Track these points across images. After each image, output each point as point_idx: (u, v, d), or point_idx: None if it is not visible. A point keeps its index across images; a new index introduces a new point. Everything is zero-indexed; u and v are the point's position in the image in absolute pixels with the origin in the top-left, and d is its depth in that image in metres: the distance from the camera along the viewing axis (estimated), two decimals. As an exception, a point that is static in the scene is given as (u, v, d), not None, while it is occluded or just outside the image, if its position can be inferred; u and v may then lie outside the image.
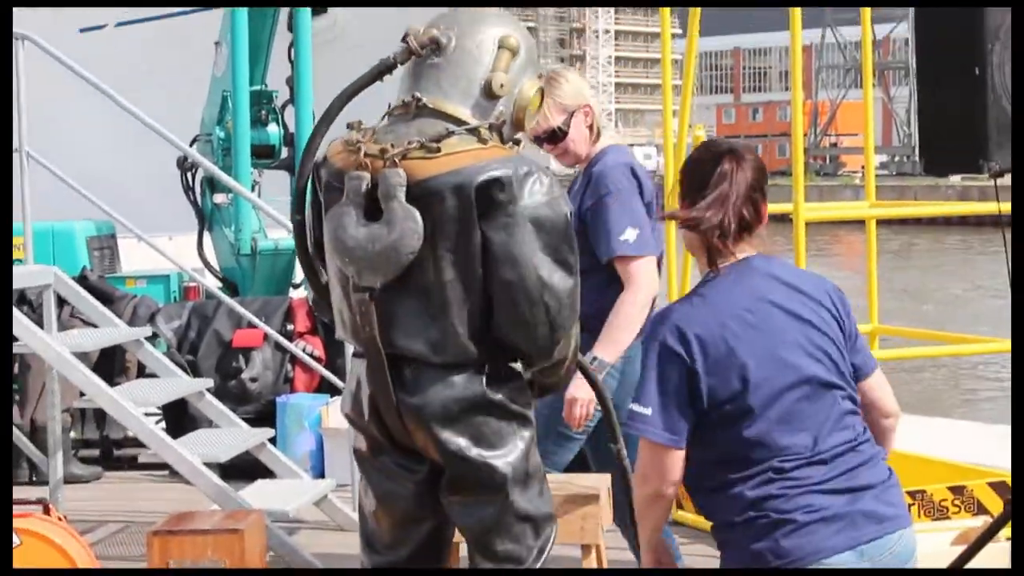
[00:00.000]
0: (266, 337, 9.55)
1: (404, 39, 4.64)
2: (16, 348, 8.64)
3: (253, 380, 9.81)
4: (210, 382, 8.77)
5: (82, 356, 7.96)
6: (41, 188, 8.86)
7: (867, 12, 7.59)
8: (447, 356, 4.50)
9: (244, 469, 8.10)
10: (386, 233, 4.41)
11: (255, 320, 9.38)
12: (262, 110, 11.31)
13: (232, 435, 8.06)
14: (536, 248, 4.43)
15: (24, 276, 8.39)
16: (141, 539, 6.98)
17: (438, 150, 4.44)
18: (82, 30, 18.56)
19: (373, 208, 4.45)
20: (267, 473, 8.07)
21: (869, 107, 7.16)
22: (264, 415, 9.14)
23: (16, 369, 9.93)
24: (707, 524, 4.99)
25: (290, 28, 11.34)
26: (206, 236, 11.23)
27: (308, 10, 11.37)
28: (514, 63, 4.64)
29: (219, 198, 11.07)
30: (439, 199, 4.40)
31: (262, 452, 8.06)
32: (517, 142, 4.79)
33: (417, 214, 4.38)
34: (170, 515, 7.06)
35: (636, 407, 4.24)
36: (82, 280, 9.14)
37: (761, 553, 4.26)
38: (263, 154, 11.29)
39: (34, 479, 9.29)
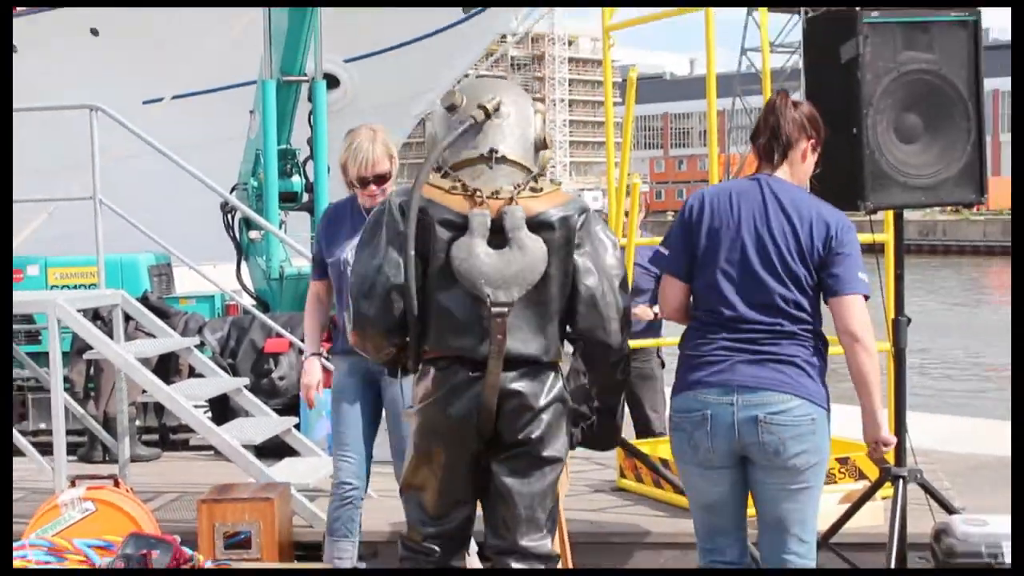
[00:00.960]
0: (291, 344, 9.54)
1: (479, 107, 4.63)
2: (90, 355, 8.61)
3: (281, 379, 9.79)
4: (246, 381, 8.74)
5: (144, 361, 7.93)
6: (112, 228, 8.85)
7: (767, 85, 7.60)
8: (551, 357, 4.60)
9: (274, 450, 8.09)
10: (521, 257, 4.46)
11: (282, 331, 9.40)
12: (287, 164, 11.29)
13: (264, 423, 8.06)
14: (610, 261, 4.63)
15: (97, 298, 8.38)
16: (192, 506, 6.96)
17: (540, 191, 4.56)
18: (144, 102, 18.47)
19: (495, 238, 4.49)
20: (292, 453, 8.06)
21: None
22: (290, 407, 9.10)
23: (91, 371, 9.89)
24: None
25: (310, 99, 11.33)
26: (243, 264, 11.20)
27: (324, 83, 11.36)
28: (544, 126, 4.79)
29: (253, 234, 11.05)
30: (550, 229, 4.51)
31: (288, 436, 8.05)
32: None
33: (541, 242, 4.48)
34: (215, 486, 7.06)
35: (660, 248, 5.08)
36: (144, 300, 9.10)
37: (676, 379, 4.94)
38: (288, 199, 11.29)
39: (106, 459, 9.24)
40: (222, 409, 8.82)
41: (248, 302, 10.54)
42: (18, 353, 9.40)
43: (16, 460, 8.60)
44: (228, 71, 18.46)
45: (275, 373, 9.86)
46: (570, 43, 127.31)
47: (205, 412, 8.22)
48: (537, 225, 4.51)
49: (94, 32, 22.98)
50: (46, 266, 11.20)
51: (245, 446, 7.51)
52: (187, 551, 5.93)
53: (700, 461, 4.83)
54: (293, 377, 9.80)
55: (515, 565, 4.67)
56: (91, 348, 8.21)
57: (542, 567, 4.70)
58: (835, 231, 4.77)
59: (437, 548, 4.76)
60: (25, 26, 24.87)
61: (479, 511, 4.84)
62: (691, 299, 4.99)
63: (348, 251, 5.97)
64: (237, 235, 11.18)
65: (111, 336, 8.03)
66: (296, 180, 11.35)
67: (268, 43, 11.17)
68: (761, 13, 8.51)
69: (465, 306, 4.54)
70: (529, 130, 4.71)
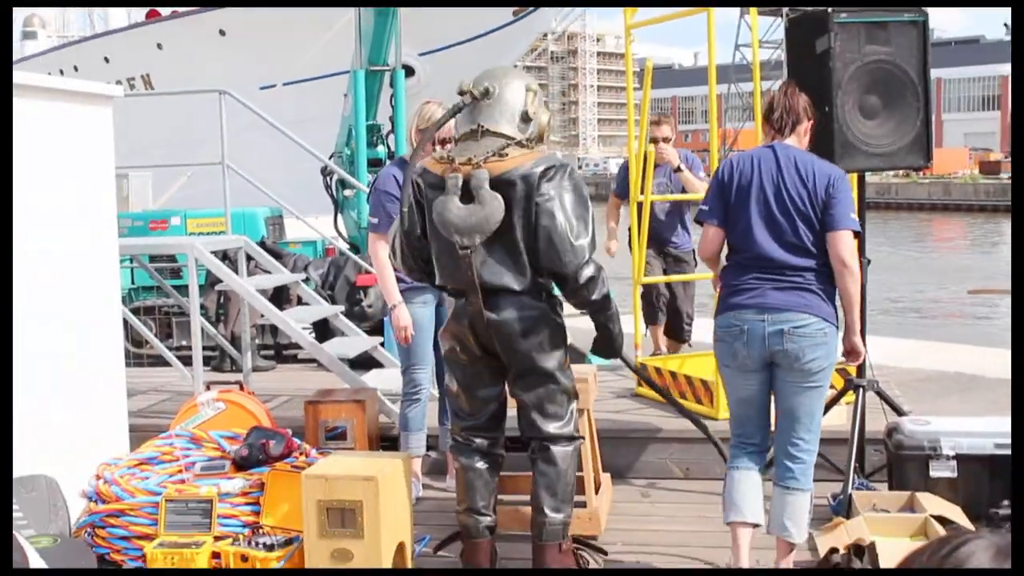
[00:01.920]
0: (375, 281, 9.57)
1: (465, 91, 4.81)
2: (220, 287, 8.69)
3: (369, 306, 9.82)
4: (342, 308, 8.80)
5: (262, 291, 7.99)
6: (236, 187, 8.90)
7: (757, 74, 7.55)
8: (523, 285, 4.70)
9: (363, 363, 8.10)
10: (480, 210, 4.57)
11: (370, 268, 9.42)
12: (374, 137, 11.27)
13: (356, 341, 8.08)
14: (566, 205, 4.65)
15: (225, 242, 8.41)
16: (300, 406, 6.98)
17: (506, 155, 4.64)
18: (261, 88, 18.47)
19: (466, 197, 4.60)
20: (378, 365, 8.09)
21: (758, 132, 7.12)
22: (376, 329, 9.15)
23: (221, 300, 9.97)
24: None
25: (391, 84, 11.30)
26: (338, 216, 11.22)
27: (403, 72, 11.33)
28: (535, 101, 4.81)
29: (347, 192, 11.06)
30: (511, 185, 4.60)
31: (375, 352, 8.09)
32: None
33: (499, 196, 4.57)
34: (318, 391, 7.10)
35: (702, 205, 5.15)
36: (261, 244, 9.17)
37: (719, 303, 5.08)
38: (374, 164, 11.27)
39: (232, 369, 9.34)
40: (323, 330, 8.88)
41: (343, 246, 10.57)
42: (164, 285, 9.49)
43: (163, 369, 8.73)
44: (327, 62, 18.47)
45: (365, 302, 9.90)
46: (598, 40, 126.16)
47: (310, 332, 8.26)
48: (501, 183, 4.61)
49: (222, 32, 23.00)
50: (185, 217, 11.29)
51: (342, 359, 7.56)
52: (296, 441, 5.97)
53: (738, 365, 4.93)
54: (379, 305, 9.85)
55: (542, 454, 4.90)
56: (221, 281, 8.29)
57: (565, 445, 4.91)
58: (832, 180, 4.85)
59: (474, 438, 5.03)
60: (167, 28, 24.96)
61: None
62: (725, 244, 5.10)
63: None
64: (334, 193, 11.19)
65: (236, 272, 8.07)
66: (381, 149, 11.33)
67: (359, 40, 11.13)
68: (752, 15, 8.51)
69: (448, 249, 4.73)
70: (516, 107, 4.78)
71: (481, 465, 5.03)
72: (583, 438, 5.19)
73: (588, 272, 4.69)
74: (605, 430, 6.63)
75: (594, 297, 4.77)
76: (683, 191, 8.44)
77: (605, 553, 5.55)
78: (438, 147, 5.91)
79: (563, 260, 4.63)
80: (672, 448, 6.84)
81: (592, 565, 5.31)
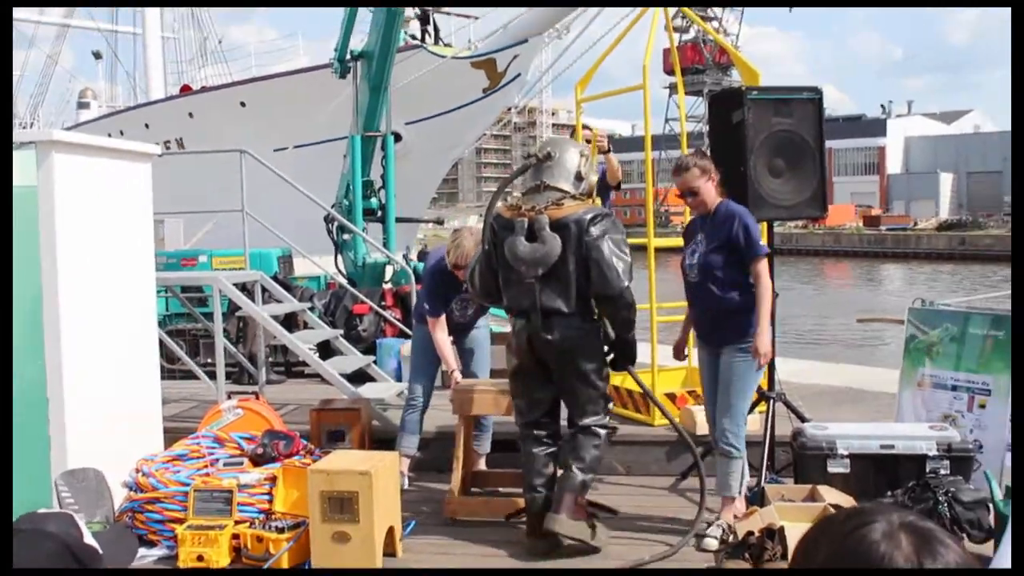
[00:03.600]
0: (370, 308, 9.54)
1: (531, 156, 5.24)
2: (240, 313, 8.61)
3: (364, 331, 9.78)
4: (341, 331, 8.76)
5: (275, 317, 7.93)
6: (253, 231, 8.85)
7: (684, 142, 7.60)
8: (572, 308, 4.98)
9: (359, 377, 8.03)
10: (542, 247, 4.92)
11: (365, 299, 9.41)
12: (368, 190, 11.26)
13: (353, 359, 8.06)
14: (610, 242, 4.88)
15: (245, 276, 8.34)
16: (306, 413, 6.95)
17: (562, 204, 4.97)
18: (274, 150, 18.46)
19: (530, 236, 4.93)
20: (370, 379, 8.06)
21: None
22: (369, 349, 9.11)
23: (240, 324, 9.89)
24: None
25: (382, 148, 11.30)
26: (339, 256, 11.18)
27: (392, 137, 11.35)
28: (586, 164, 5.15)
29: (345, 236, 11.02)
30: (567, 228, 4.92)
31: (368, 368, 8.07)
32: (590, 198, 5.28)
33: (557, 237, 4.89)
34: (321, 400, 7.06)
35: (762, 245, 5.21)
36: (274, 278, 9.09)
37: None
38: (368, 213, 11.26)
39: (249, 382, 9.24)
40: (325, 350, 8.83)
41: (342, 281, 10.53)
42: (193, 311, 9.41)
43: (191, 382, 8.63)
44: (329, 129, 18.43)
45: (360, 327, 9.85)
46: (553, 113, 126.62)
47: (314, 352, 8.21)
48: (558, 226, 4.92)
49: (242, 104, 22.93)
50: (211, 256, 11.20)
51: (341, 374, 7.51)
52: (303, 441, 5.92)
53: None
54: (371, 330, 9.83)
55: (579, 436, 5.17)
56: (240, 308, 8.23)
57: (599, 434, 5.19)
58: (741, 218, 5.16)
59: (533, 430, 5.26)
60: (196, 100, 24.87)
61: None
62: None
63: (454, 304, 6.35)
64: (335, 237, 11.15)
65: (254, 301, 8.00)
66: (374, 201, 11.33)
67: (356, 111, 11.15)
68: (679, 95, 8.55)
69: (515, 278, 5.04)
70: (572, 168, 5.09)
71: (538, 451, 5.25)
72: (615, 428, 5.45)
73: (627, 296, 4.97)
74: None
75: (627, 316, 5.05)
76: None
77: (615, 513, 5.67)
78: (462, 271, 6.04)
79: (609, 284, 4.90)
80: (616, 450, 6.81)
81: (599, 526, 5.32)
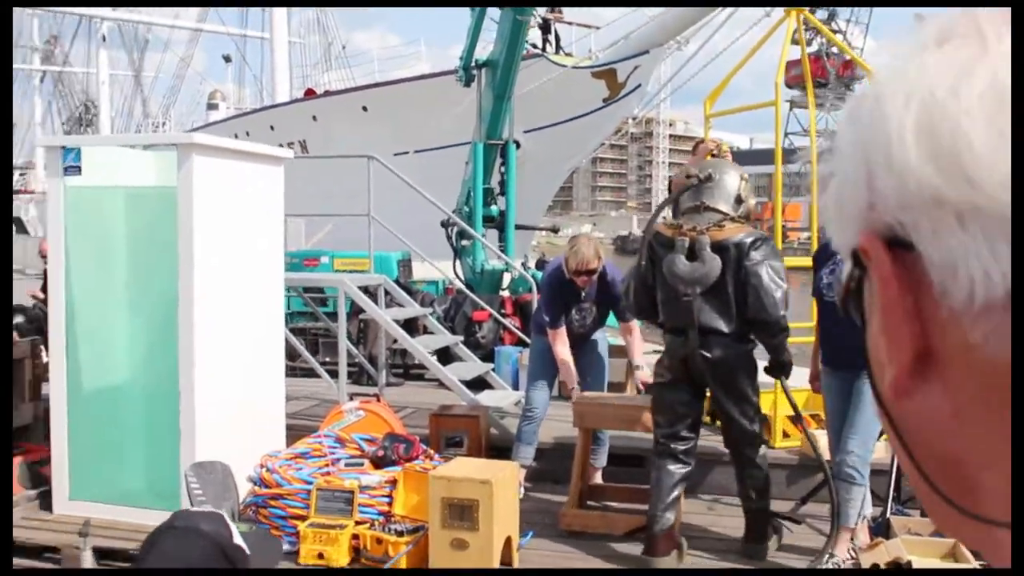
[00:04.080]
0: (489, 315, 9.58)
1: (691, 176, 5.27)
2: (363, 316, 8.73)
3: (483, 337, 9.84)
4: (460, 338, 8.81)
5: (397, 321, 8.00)
6: (377, 234, 8.96)
7: (814, 157, 7.44)
8: (730, 328, 5.03)
9: (477, 383, 8.07)
10: (702, 267, 4.97)
11: (485, 305, 9.46)
12: (488, 197, 11.34)
13: (472, 366, 8.11)
14: (769, 269, 4.97)
15: (369, 279, 8.44)
16: (425, 418, 7.00)
17: (723, 226, 5.02)
18: (395, 154, 18.72)
19: (690, 256, 4.99)
20: (488, 387, 8.08)
21: (815, 206, 7.00)
22: (488, 356, 9.14)
23: (361, 326, 10.04)
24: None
25: (502, 155, 11.37)
26: (457, 262, 11.27)
27: (514, 145, 11.40)
28: (746, 187, 5.24)
29: (464, 242, 11.11)
30: (727, 250, 4.97)
31: (487, 375, 8.09)
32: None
33: (717, 259, 4.95)
34: (440, 405, 7.11)
35: None
36: (395, 282, 9.22)
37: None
38: (487, 220, 11.33)
39: (368, 383, 9.37)
40: (444, 355, 8.92)
41: (460, 286, 10.63)
42: (317, 311, 9.62)
43: (311, 380, 8.79)
44: (450, 135, 18.61)
45: (479, 333, 9.92)
46: (671, 124, 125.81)
47: (434, 357, 8.31)
48: (718, 248, 4.98)
49: (364, 108, 23.35)
50: (333, 257, 11.41)
51: (460, 380, 7.55)
52: (423, 446, 5.97)
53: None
54: (490, 337, 9.87)
55: (747, 468, 5.30)
56: (363, 311, 8.34)
57: (757, 448, 5.32)
58: None
59: (671, 443, 5.30)
60: (320, 104, 25.45)
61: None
62: None
63: (573, 314, 6.28)
64: (454, 242, 11.25)
65: (376, 303, 8.11)
66: (493, 208, 11.40)
67: (479, 119, 11.23)
68: (811, 110, 8.32)
69: (673, 296, 5.09)
70: (731, 191, 5.15)
71: (674, 468, 5.29)
72: (768, 442, 5.59)
73: (783, 322, 5.06)
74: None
75: (781, 341, 5.13)
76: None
77: (799, 523, 5.86)
78: (584, 277, 6.09)
79: (766, 310, 4.95)
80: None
81: (786, 531, 5.63)
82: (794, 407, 5.72)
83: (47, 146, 6.14)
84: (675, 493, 5.27)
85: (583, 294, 6.18)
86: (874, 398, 0.55)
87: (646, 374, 6.07)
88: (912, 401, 0.52)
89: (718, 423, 7.43)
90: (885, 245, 0.51)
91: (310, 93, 28.35)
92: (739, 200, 5.15)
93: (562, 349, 6.18)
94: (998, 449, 0.48)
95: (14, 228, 38.96)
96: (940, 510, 0.53)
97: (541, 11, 19.95)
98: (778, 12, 7.78)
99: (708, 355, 5.05)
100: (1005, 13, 0.49)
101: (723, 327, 5.03)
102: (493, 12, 11.20)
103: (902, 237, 0.50)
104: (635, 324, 6.42)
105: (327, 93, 27.55)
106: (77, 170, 5.87)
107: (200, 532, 1.99)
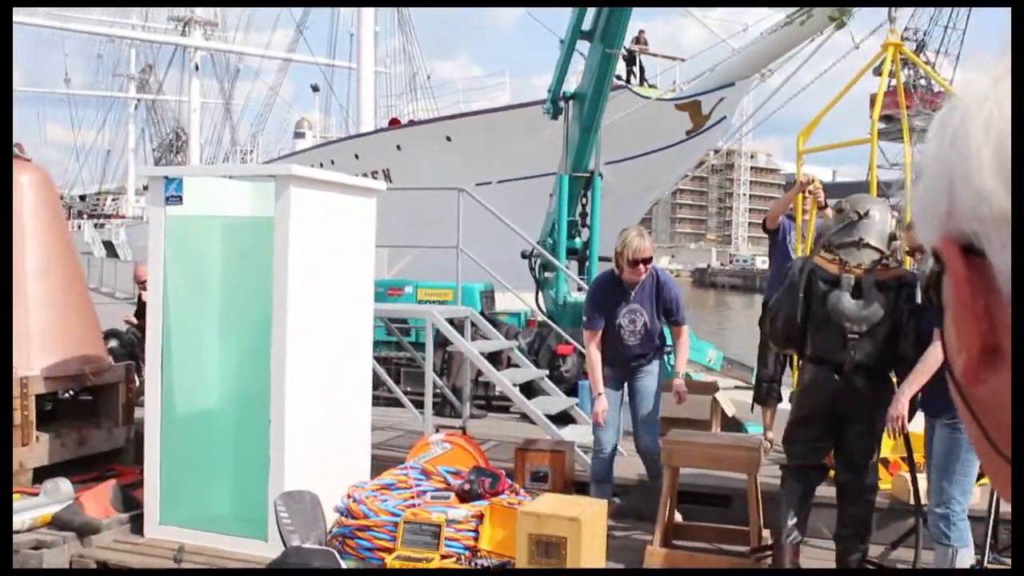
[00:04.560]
0: (574, 348, 9.53)
1: (843, 210, 5.29)
2: (451, 348, 8.76)
3: (567, 371, 9.79)
4: (545, 372, 8.77)
5: (483, 353, 8.00)
6: (452, 264, 8.98)
7: (909, 189, 7.30)
8: (881, 366, 5.12)
9: (562, 418, 7.99)
10: (868, 306, 5.03)
11: (568, 339, 9.40)
12: (572, 230, 11.32)
13: (556, 400, 8.05)
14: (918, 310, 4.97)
15: (456, 311, 8.43)
16: (507, 450, 6.98)
17: (887, 266, 5.05)
18: (476, 184, 18.84)
19: (855, 293, 5.04)
20: (573, 421, 8.02)
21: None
22: (572, 390, 9.09)
23: (445, 356, 10.04)
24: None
25: (586, 188, 11.35)
26: (539, 294, 11.25)
27: (600, 181, 11.39)
28: (898, 226, 5.25)
29: (547, 274, 11.09)
30: (889, 289, 5.02)
31: (571, 409, 8.03)
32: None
33: (882, 296, 5.00)
34: (525, 439, 7.07)
35: None
36: (480, 313, 9.23)
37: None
38: (571, 252, 11.31)
39: (451, 415, 9.36)
40: (528, 388, 8.88)
41: (543, 318, 10.60)
42: (403, 342, 9.70)
43: (394, 409, 8.82)
44: (534, 165, 18.68)
45: (563, 367, 9.87)
46: (752, 156, 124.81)
47: (521, 389, 8.29)
48: (881, 287, 5.02)
49: (448, 138, 23.58)
50: (416, 287, 11.48)
51: (545, 415, 7.50)
52: (508, 480, 5.95)
53: None
54: (573, 371, 9.81)
55: (861, 509, 5.30)
56: (448, 342, 8.35)
57: (871, 493, 5.34)
58: None
59: (806, 472, 5.33)
60: (404, 133, 25.78)
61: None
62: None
63: (622, 317, 6.18)
64: (536, 274, 11.23)
65: (461, 335, 8.11)
66: (578, 240, 11.37)
67: (565, 151, 11.24)
68: (905, 143, 8.17)
69: (832, 331, 5.09)
70: (886, 228, 5.15)
71: (806, 490, 5.37)
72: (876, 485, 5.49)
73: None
74: (767, 492, 6.39)
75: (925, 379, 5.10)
76: None
77: (885, 568, 5.79)
78: (640, 266, 6.09)
79: (911, 350, 4.96)
80: (823, 512, 6.53)
81: None
82: (908, 449, 5.60)
83: (151, 176, 6.30)
84: (804, 514, 5.37)
85: (632, 295, 6.15)
86: (949, 378, 0.63)
87: (683, 384, 6.30)
88: (985, 386, 0.60)
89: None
90: (960, 250, 0.58)
91: (394, 123, 28.73)
92: (893, 238, 5.16)
93: (594, 352, 6.21)
94: None
95: (105, 252, 40.06)
96: (1004, 476, 0.61)
97: (626, 43, 19.98)
98: (869, 44, 7.68)
99: (859, 388, 5.09)
100: None
101: (875, 364, 5.08)
102: (582, 45, 11.22)
103: (975, 245, 0.57)
104: (686, 330, 6.42)
105: (411, 123, 27.89)
106: (179, 200, 6.02)
107: (314, 570, 1.99)
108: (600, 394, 6.22)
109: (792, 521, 5.35)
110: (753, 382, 8.74)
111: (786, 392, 7.69)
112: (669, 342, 6.73)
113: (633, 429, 6.35)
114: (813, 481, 5.41)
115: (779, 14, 14.37)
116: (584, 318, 6.35)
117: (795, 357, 7.23)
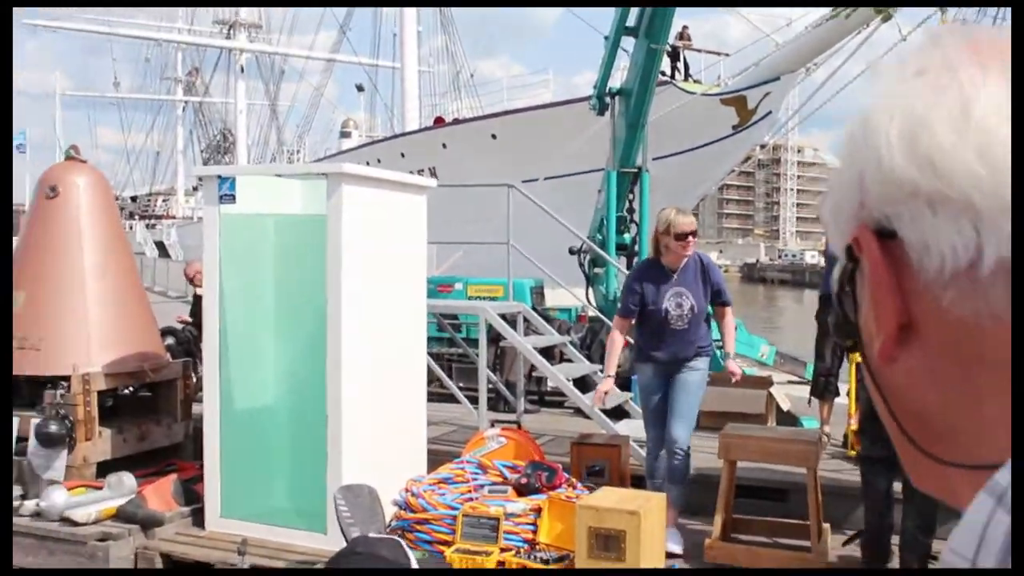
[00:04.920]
0: (627, 343, 9.47)
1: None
2: (503, 343, 8.78)
3: (619, 366, 9.73)
4: (600, 366, 8.72)
5: (536, 348, 7.99)
6: (501, 260, 8.98)
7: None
8: None
9: (616, 412, 8.00)
10: None
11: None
12: (621, 225, 11.28)
13: (611, 395, 7.97)
14: None
15: (508, 307, 8.46)
16: (562, 444, 6.97)
17: None
18: (523, 181, 18.82)
19: None
20: (626, 415, 8.00)
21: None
22: (624, 385, 9.02)
23: (498, 352, 10.05)
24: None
25: (633, 183, 11.32)
26: (590, 289, 11.23)
27: (648, 176, 11.34)
28: None
29: (597, 270, 11.07)
30: None
31: (625, 404, 8.01)
32: None
33: None
34: (580, 434, 7.06)
35: None
36: (534, 309, 9.23)
37: None
38: (620, 247, 11.27)
39: (504, 409, 9.36)
40: (581, 383, 8.86)
41: (593, 313, 10.56)
42: (456, 337, 9.73)
43: (447, 405, 8.84)
44: (581, 162, 18.66)
45: (616, 362, 9.86)
46: (799, 151, 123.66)
47: (570, 383, 8.27)
48: None
49: (493, 136, 23.62)
50: (467, 283, 11.51)
51: (600, 409, 7.44)
52: (565, 474, 5.94)
53: None
54: (627, 366, 9.76)
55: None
56: (501, 337, 8.36)
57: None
58: None
59: (887, 455, 5.12)
60: (450, 132, 25.88)
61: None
62: None
63: (668, 301, 5.98)
64: (586, 269, 11.21)
65: (515, 329, 8.11)
66: (627, 236, 11.33)
67: (612, 147, 11.22)
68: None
69: None
70: None
71: (886, 479, 5.36)
72: None
73: None
74: (826, 486, 6.33)
75: None
76: None
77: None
78: (688, 239, 5.89)
79: None
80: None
81: None
82: None
83: (205, 175, 6.37)
84: (889, 500, 5.38)
85: (675, 277, 5.94)
86: (864, 368, 0.67)
87: (737, 366, 6.21)
88: (896, 365, 0.64)
89: (853, 452, 7.26)
90: (874, 235, 0.63)
91: (439, 121, 28.83)
92: None
93: (617, 337, 6.13)
94: (965, 398, 0.60)
95: (157, 252, 40.59)
96: (911, 458, 0.66)
97: (670, 39, 19.90)
98: (916, 36, 7.58)
99: None
100: (969, 48, 0.62)
101: None
102: (626, 42, 11.19)
103: (887, 227, 0.62)
104: (731, 311, 6.23)
105: (456, 121, 27.96)
106: (232, 198, 6.08)
107: (382, 559, 2.01)
108: (609, 376, 6.14)
109: (875, 516, 5.39)
110: (807, 377, 8.67)
111: (843, 387, 7.60)
112: (714, 336, 6.56)
113: (667, 419, 6.16)
114: (893, 470, 5.35)
115: (823, 8, 14.21)
116: (618, 304, 6.20)
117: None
